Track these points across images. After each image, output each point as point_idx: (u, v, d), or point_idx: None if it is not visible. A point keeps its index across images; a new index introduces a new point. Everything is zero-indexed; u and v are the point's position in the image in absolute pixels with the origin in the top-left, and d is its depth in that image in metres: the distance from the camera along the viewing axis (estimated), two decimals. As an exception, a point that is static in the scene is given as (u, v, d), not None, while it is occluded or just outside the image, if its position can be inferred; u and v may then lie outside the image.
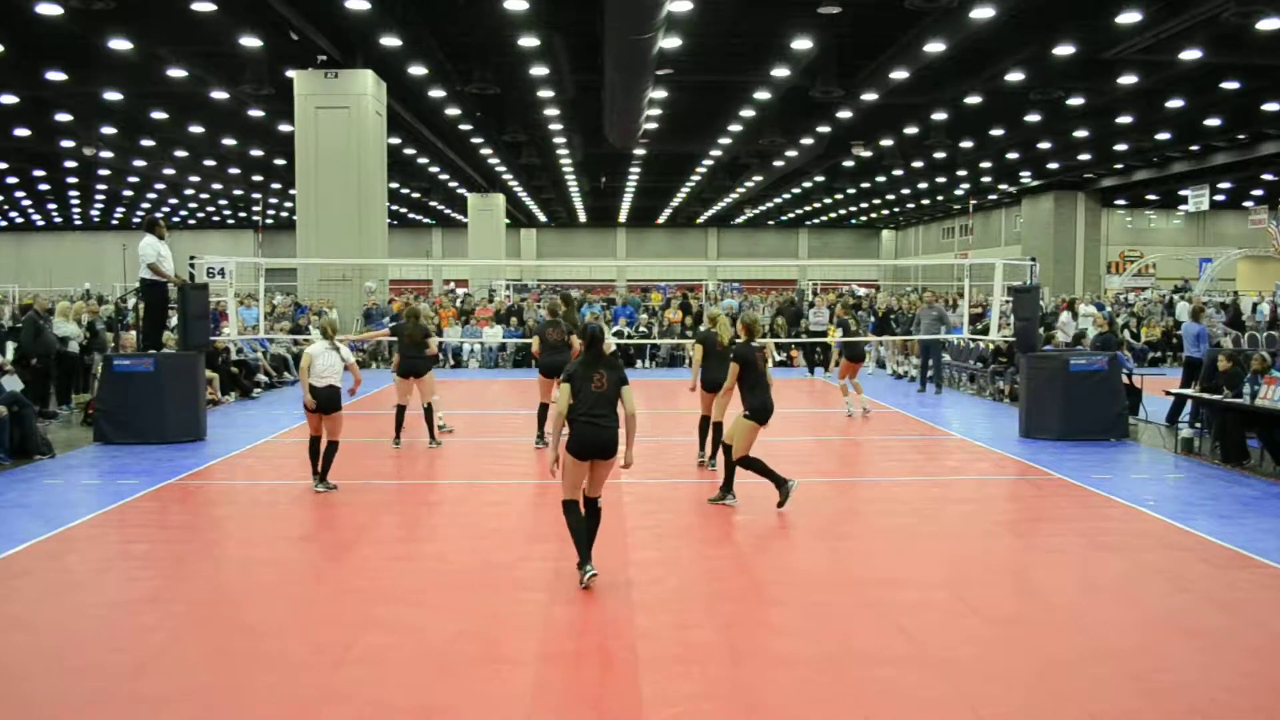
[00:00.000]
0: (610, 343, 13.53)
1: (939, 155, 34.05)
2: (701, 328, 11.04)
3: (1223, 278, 38.78)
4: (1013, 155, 35.70)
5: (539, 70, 21.76)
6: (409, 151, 33.90)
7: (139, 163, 37.22)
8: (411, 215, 57.16)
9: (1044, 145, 33.13)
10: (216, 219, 60.81)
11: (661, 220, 61.69)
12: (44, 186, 46.29)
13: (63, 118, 28.25)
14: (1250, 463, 10.42)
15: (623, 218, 60.15)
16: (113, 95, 25.05)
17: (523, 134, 30.17)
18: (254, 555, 7.40)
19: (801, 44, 19.73)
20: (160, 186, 45.63)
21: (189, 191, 47.69)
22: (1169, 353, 23.50)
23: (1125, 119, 27.77)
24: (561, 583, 6.46)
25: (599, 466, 6.35)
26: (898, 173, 39.70)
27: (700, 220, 61.29)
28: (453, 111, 26.95)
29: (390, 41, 19.77)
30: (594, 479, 6.40)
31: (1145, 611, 6.00)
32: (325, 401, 8.92)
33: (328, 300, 23.04)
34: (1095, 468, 10.31)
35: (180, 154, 35.17)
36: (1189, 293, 30.22)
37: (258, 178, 41.25)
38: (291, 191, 32.09)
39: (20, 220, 59.79)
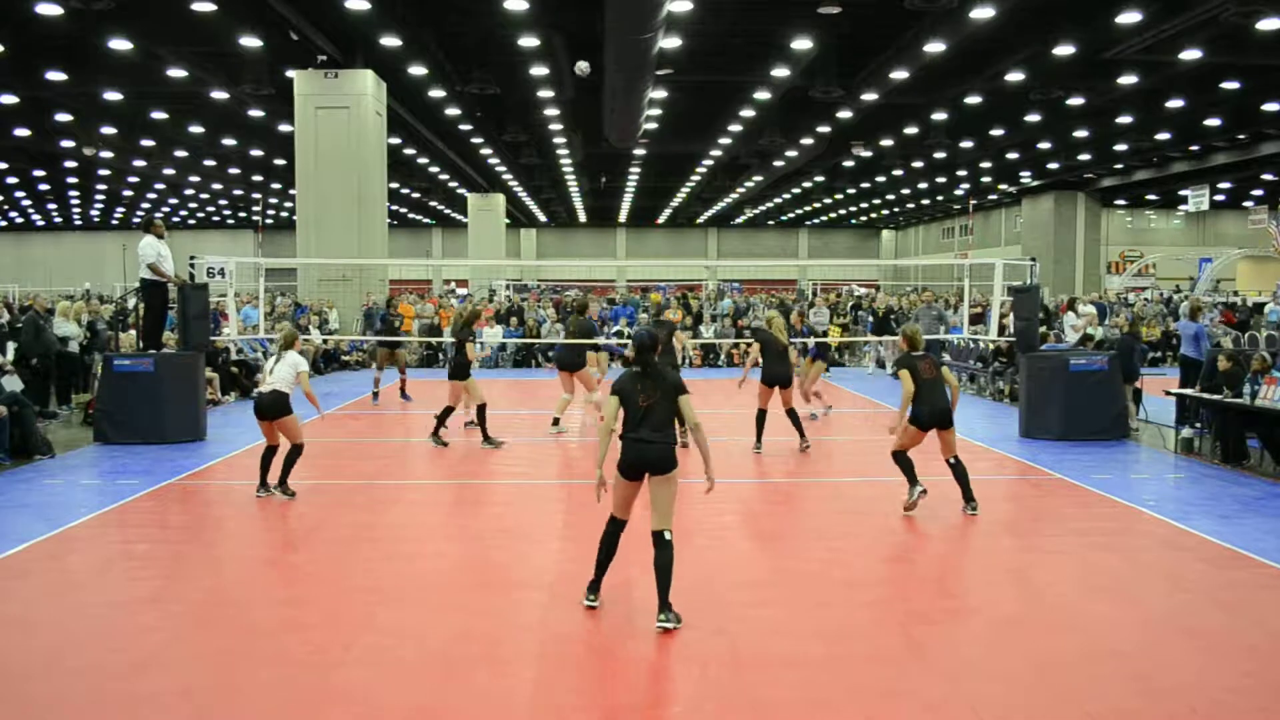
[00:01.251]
0: (683, 339, 13.38)
1: (939, 155, 34.04)
2: (757, 324, 11.23)
3: (1223, 278, 38.79)
4: (1013, 155, 35.68)
5: (539, 70, 21.76)
6: (409, 151, 33.89)
7: (139, 163, 37.19)
8: (411, 215, 57.15)
9: (1044, 145, 33.11)
10: (216, 219, 60.79)
11: (661, 220, 61.67)
12: (44, 186, 46.26)
13: (63, 118, 28.23)
14: (1250, 463, 10.42)
15: (623, 218, 60.12)
16: (113, 95, 25.03)
17: (523, 134, 30.16)
18: (254, 555, 7.41)
19: (801, 44, 19.72)
20: (160, 186, 45.61)
21: (189, 191, 47.66)
22: (1169, 353, 23.51)
23: (1125, 119, 27.74)
24: (561, 583, 6.46)
25: (656, 486, 5.61)
26: (898, 173, 39.68)
27: (700, 220, 61.27)
28: (453, 111, 26.93)
29: (390, 41, 19.77)
30: (655, 505, 5.63)
31: (1145, 611, 6.00)
32: (266, 407, 8.66)
33: (329, 300, 23.04)
34: (1095, 468, 10.31)
35: (180, 154, 35.14)
36: (1191, 293, 30.22)
37: (258, 178, 41.23)
38: (291, 191, 32.06)
39: (20, 220, 59.77)
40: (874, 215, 60.98)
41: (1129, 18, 17.37)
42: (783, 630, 5.69)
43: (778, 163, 35.10)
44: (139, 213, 53.23)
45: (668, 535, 5.58)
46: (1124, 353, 13.08)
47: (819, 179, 42.38)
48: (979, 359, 17.86)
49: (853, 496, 9.15)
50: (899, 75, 21.56)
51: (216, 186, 45.36)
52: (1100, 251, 46.65)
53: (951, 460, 8.29)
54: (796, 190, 46.88)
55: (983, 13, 16.94)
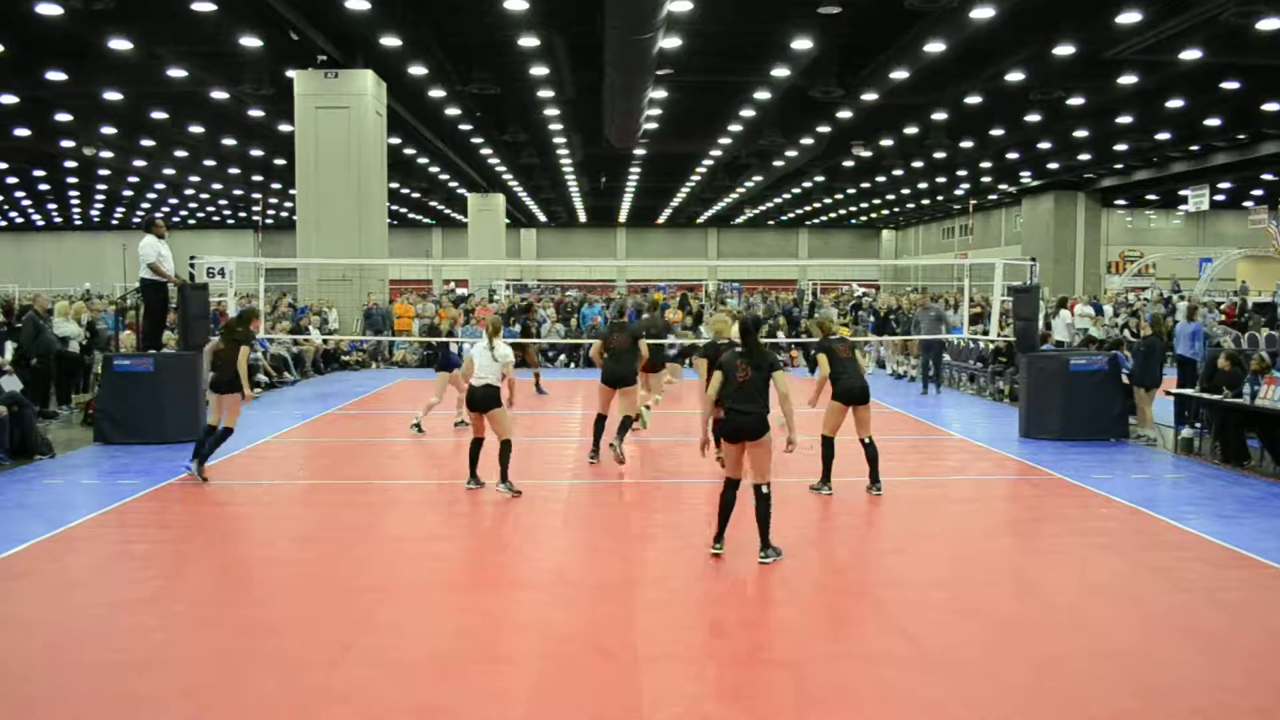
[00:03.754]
0: (677, 331, 12.71)
1: (939, 155, 34.04)
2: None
3: (1223, 278, 38.78)
4: (1013, 155, 35.68)
5: (539, 70, 21.75)
6: (409, 151, 33.89)
7: (139, 163, 37.18)
8: (411, 215, 57.14)
9: (1044, 145, 33.10)
10: (216, 219, 60.77)
11: (661, 220, 61.66)
12: (44, 186, 46.24)
13: (63, 118, 28.22)
14: (1250, 463, 10.42)
15: (623, 218, 60.10)
16: (113, 95, 25.02)
17: (523, 134, 30.15)
18: (254, 555, 7.40)
19: (801, 44, 19.71)
20: (160, 186, 45.59)
21: (189, 191, 47.64)
22: (1167, 353, 23.47)
23: (1125, 119, 27.74)
24: (561, 583, 6.46)
25: (752, 449, 6.65)
26: (898, 173, 39.68)
27: (700, 220, 61.27)
28: (453, 111, 26.93)
29: (390, 41, 19.77)
30: (752, 464, 6.70)
31: (1145, 611, 6.00)
32: (479, 400, 8.73)
33: (329, 300, 23.04)
34: (1095, 468, 10.31)
35: (180, 154, 35.14)
36: (1187, 293, 30.20)
37: (258, 178, 41.22)
38: (291, 191, 32.06)
39: (20, 220, 59.75)
40: (874, 215, 60.96)
41: (1129, 18, 17.37)
42: (782, 630, 5.69)
43: (778, 163, 35.09)
44: (139, 213, 53.22)
45: (765, 489, 6.66)
46: (1149, 354, 12.48)
47: (819, 179, 42.38)
48: (979, 359, 17.86)
49: (850, 496, 9.14)
50: (899, 75, 21.56)
51: (216, 186, 45.35)
52: (1100, 251, 46.62)
53: (865, 440, 8.81)
54: (796, 190, 46.87)
55: (983, 13, 16.94)
